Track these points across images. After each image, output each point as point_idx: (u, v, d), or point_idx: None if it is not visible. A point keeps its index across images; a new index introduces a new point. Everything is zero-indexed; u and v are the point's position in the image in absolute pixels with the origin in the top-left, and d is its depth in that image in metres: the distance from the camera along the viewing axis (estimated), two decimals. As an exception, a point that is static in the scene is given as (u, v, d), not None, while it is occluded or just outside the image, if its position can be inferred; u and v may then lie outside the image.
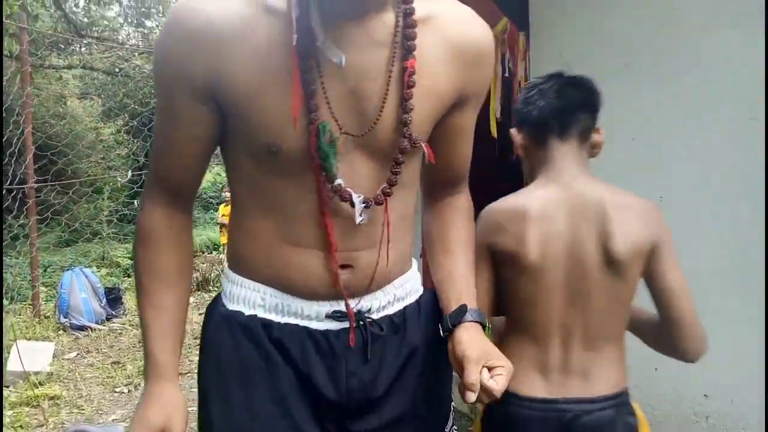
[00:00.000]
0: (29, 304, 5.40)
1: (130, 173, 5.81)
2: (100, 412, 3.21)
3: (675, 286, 1.12)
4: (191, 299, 4.89)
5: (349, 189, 0.83)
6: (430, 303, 1.00)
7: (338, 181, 0.82)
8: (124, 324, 4.99)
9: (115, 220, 9.54)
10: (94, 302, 5.01)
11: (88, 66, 11.39)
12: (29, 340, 4.28)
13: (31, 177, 5.07)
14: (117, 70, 10.72)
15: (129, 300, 5.80)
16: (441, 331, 0.94)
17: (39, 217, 5.56)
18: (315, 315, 0.89)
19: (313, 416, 0.90)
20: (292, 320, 0.89)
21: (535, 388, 1.12)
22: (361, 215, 0.84)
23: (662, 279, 1.12)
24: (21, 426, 2.87)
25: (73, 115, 10.68)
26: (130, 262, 8.44)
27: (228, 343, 0.90)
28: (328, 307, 0.89)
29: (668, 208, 1.84)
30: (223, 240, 7.32)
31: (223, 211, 7.15)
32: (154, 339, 0.89)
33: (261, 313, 0.90)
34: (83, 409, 3.24)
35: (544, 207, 1.12)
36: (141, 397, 0.91)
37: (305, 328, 0.89)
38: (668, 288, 1.12)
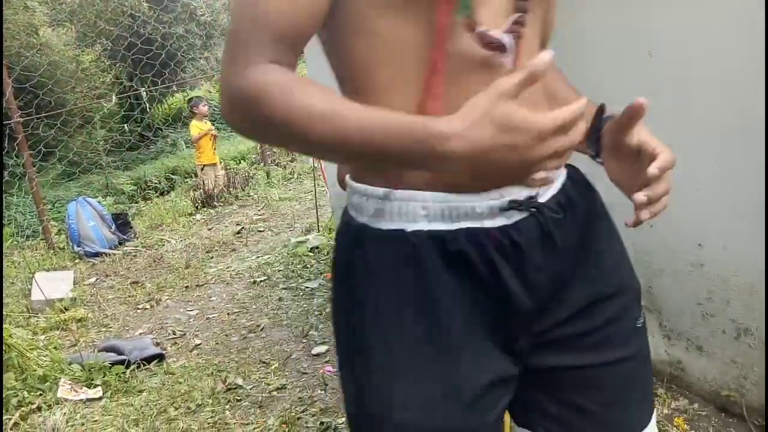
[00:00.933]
0: (42, 239, 5.52)
1: (114, 98, 5.66)
2: (127, 328, 3.37)
3: None
4: (198, 216, 4.97)
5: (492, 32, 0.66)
6: (575, 172, 0.85)
7: (481, 28, 0.66)
8: (136, 246, 5.12)
9: (112, 148, 9.52)
10: (103, 229, 5.10)
11: (52, -11, 10.78)
12: (48, 271, 4.42)
13: (15, 111, 4.98)
14: (82, -10, 10.14)
15: (138, 224, 5.91)
16: (591, 147, 0.81)
17: (32, 152, 5.52)
18: (488, 211, 0.72)
19: (504, 333, 0.76)
20: (466, 224, 0.72)
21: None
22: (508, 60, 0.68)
23: None
24: (55, 347, 3.03)
25: (46, 44, 10.27)
26: (133, 188, 8.50)
27: (398, 275, 0.72)
28: (498, 198, 0.73)
29: (657, 63, 1.78)
30: (199, 160, 6.67)
31: (200, 127, 6.53)
32: (378, 122, 0.63)
33: (426, 226, 0.72)
34: (110, 327, 3.40)
35: None
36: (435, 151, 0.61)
37: (482, 229, 0.72)
38: None
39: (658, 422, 1.83)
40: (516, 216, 0.74)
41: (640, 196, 0.74)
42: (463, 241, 0.71)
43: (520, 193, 0.73)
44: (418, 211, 0.72)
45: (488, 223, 0.73)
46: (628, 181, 0.78)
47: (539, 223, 0.75)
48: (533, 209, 0.74)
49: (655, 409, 0.88)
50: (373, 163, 0.72)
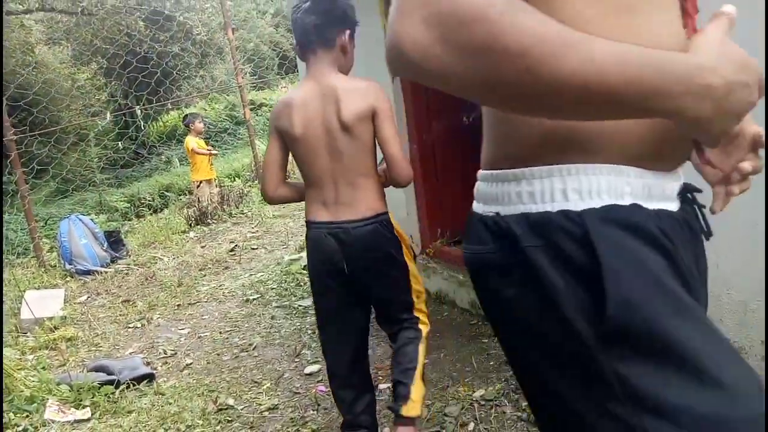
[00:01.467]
0: (33, 256, 5.47)
1: (109, 115, 5.67)
2: (117, 347, 3.33)
3: (388, 136, 1.69)
4: (191, 233, 4.93)
5: None
6: None
7: None
8: (129, 264, 5.08)
9: (106, 166, 9.52)
10: (95, 247, 5.07)
11: (48, 7, 10.85)
12: (38, 289, 4.37)
13: (8, 129, 4.97)
14: (78, 8, 10.20)
15: (131, 241, 5.87)
16: None
17: (25, 169, 5.50)
18: (671, 193, 0.68)
19: None
20: (662, 204, 0.66)
21: (321, 215, 1.76)
22: None
23: (380, 132, 1.69)
24: (44, 367, 2.99)
25: (42, 62, 10.30)
26: (127, 205, 8.47)
27: (643, 251, 0.62)
28: (676, 180, 0.69)
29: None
30: (194, 176, 6.66)
31: (196, 143, 6.50)
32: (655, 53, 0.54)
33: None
34: (101, 347, 3.36)
35: (302, 96, 1.72)
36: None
37: (671, 212, 0.67)
38: (384, 137, 1.69)
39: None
40: (677, 203, 0.68)
41: (722, 190, 0.71)
42: (666, 223, 0.65)
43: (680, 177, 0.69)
44: (624, 187, 0.63)
45: (672, 206, 0.67)
46: (717, 163, 0.70)
47: (697, 209, 0.72)
48: (693, 196, 0.70)
49: None
50: (606, 110, 0.56)
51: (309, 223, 1.80)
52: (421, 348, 1.89)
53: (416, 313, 1.91)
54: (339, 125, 1.68)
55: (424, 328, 1.91)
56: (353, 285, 1.78)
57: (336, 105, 1.68)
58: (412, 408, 1.82)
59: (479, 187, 0.74)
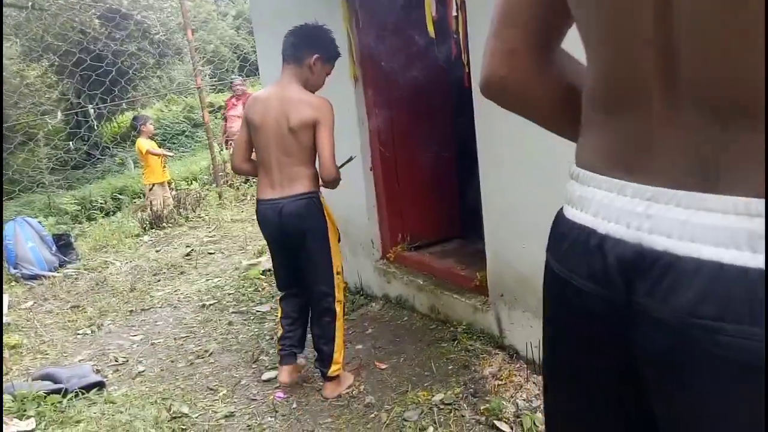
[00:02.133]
0: (-25, 260, 5.20)
1: (60, 114, 5.46)
2: (65, 355, 3.20)
3: (323, 143, 2.21)
4: (146, 237, 4.80)
5: None
6: None
7: None
8: (78, 269, 4.89)
9: (56, 167, 9.15)
10: (43, 250, 4.87)
11: (-4, 1, 10.38)
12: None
13: (-50, 126, 4.73)
14: (28, 2, 9.82)
15: (81, 245, 5.66)
16: None
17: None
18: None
19: None
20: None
21: (266, 194, 2.31)
22: None
23: (317, 138, 2.21)
24: (-16, 376, 2.84)
25: (-12, 58, 9.84)
26: (77, 208, 8.17)
27: None
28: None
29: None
30: (147, 179, 6.46)
31: (150, 144, 6.37)
32: None
33: None
34: (47, 354, 3.22)
35: (267, 96, 2.29)
36: None
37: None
38: (319, 143, 2.21)
39: None
40: None
41: None
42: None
43: None
44: None
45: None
46: None
47: None
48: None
49: None
50: None
51: (258, 201, 2.35)
52: (338, 324, 2.39)
53: (336, 291, 2.37)
54: (287, 127, 2.22)
55: (339, 306, 2.39)
56: (290, 245, 2.36)
57: (287, 111, 2.21)
58: (335, 369, 2.37)
59: (751, 225, 0.47)
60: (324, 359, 2.39)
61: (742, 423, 0.47)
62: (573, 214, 0.60)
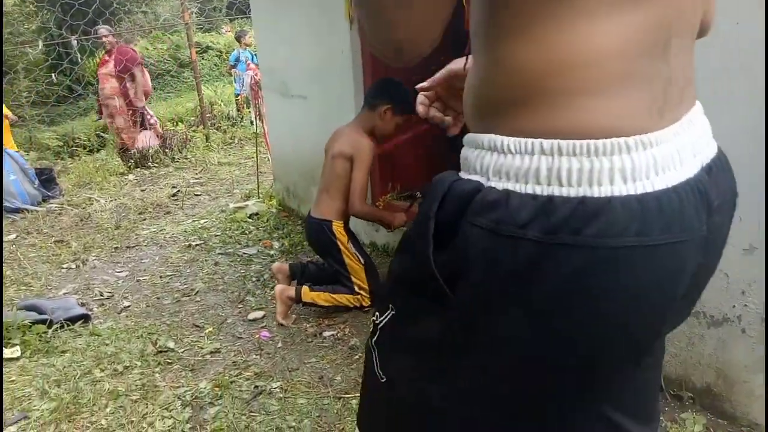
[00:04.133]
0: (-46, 191, 5.09)
1: (41, 44, 5.23)
2: (49, 287, 3.19)
3: (355, 177, 2.51)
4: (131, 176, 4.74)
5: None
6: None
7: None
8: (62, 204, 4.83)
9: (37, 100, 8.88)
10: (25, 184, 4.78)
11: None
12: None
13: (-74, 50, 4.55)
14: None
15: (64, 181, 5.57)
16: None
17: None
18: None
19: None
20: None
21: (312, 209, 2.70)
22: None
23: (352, 172, 2.52)
24: (-33, 305, 2.83)
25: (-36, -19, 9.37)
26: (59, 143, 8.00)
27: None
28: None
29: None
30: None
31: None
32: None
33: None
34: (31, 286, 3.21)
35: (337, 130, 2.66)
36: None
37: None
38: (352, 177, 2.52)
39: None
40: None
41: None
42: None
43: None
44: None
45: None
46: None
47: None
48: None
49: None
50: None
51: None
52: (344, 297, 2.57)
53: (355, 286, 2.57)
54: (330, 154, 2.58)
55: (354, 299, 2.58)
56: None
57: (336, 141, 2.57)
58: (306, 296, 2.55)
59: None
60: (312, 283, 2.65)
61: None
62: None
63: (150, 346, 2.44)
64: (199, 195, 4.90)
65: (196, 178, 5.48)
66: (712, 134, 0.67)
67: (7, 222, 4.42)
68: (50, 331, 2.56)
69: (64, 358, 2.38)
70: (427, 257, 0.59)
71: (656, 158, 0.54)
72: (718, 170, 0.62)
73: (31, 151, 7.41)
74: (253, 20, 4.41)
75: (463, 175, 0.61)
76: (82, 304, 2.89)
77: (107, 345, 2.47)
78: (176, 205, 4.64)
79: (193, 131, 7.29)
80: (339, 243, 2.58)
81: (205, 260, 3.42)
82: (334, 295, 2.57)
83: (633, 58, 0.54)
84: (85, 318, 2.71)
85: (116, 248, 3.74)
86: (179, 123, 8.23)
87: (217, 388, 2.12)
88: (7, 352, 2.41)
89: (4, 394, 2.14)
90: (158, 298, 2.97)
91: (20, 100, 8.48)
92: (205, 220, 4.16)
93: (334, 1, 3.11)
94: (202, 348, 2.43)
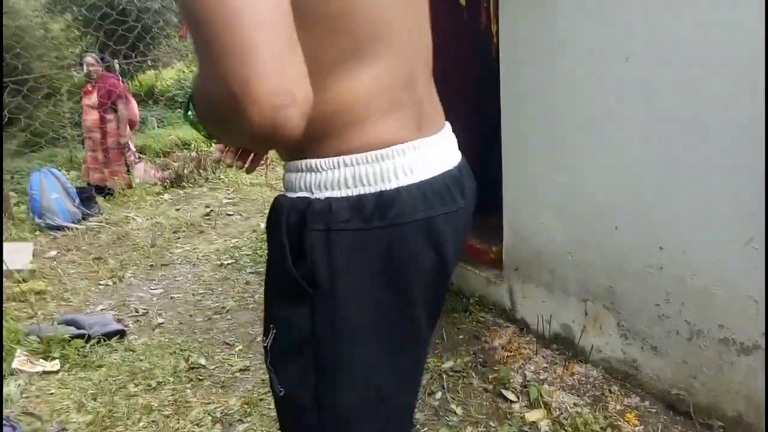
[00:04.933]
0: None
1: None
2: (88, 303, 3.31)
3: None
4: (166, 195, 4.90)
5: None
6: None
7: None
8: (101, 222, 5.00)
9: (79, 121, 9.23)
10: (67, 202, 4.97)
11: (23, -48, 10.38)
12: (6, 242, 4.28)
13: (-20, 75, 4.80)
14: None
15: (102, 199, 5.77)
16: None
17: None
18: None
19: None
20: None
21: None
22: None
23: None
24: (12, 318, 2.95)
25: (13, 7, 9.89)
26: (99, 163, 8.26)
27: None
28: None
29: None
30: None
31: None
32: None
33: None
34: (70, 302, 3.33)
35: None
36: None
37: None
38: None
39: (610, 417, 1.90)
40: None
41: None
42: None
43: None
44: None
45: None
46: None
47: None
48: None
49: None
50: None
51: None
52: None
53: None
54: None
55: None
56: None
57: None
58: None
59: None
60: None
61: None
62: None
63: (182, 362, 2.51)
64: (232, 215, 5.02)
65: (229, 198, 5.62)
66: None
67: (48, 239, 4.60)
68: (88, 345, 2.65)
69: (100, 372, 2.47)
70: (290, 268, 0.72)
71: (424, 157, 0.76)
72: (465, 169, 0.88)
73: (72, 170, 7.69)
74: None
75: (290, 195, 0.76)
76: (119, 320, 2.99)
77: (141, 360, 2.55)
78: (209, 224, 4.76)
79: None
80: None
81: (237, 279, 3.50)
82: None
83: (395, 92, 0.75)
84: (121, 334, 2.80)
85: (151, 266, 3.86)
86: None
87: (246, 406, 2.17)
88: (48, 365, 2.50)
89: (44, 406, 2.23)
90: (191, 316, 3.05)
91: (63, 120, 8.84)
92: (237, 240, 4.26)
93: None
94: (232, 365, 2.49)
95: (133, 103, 5.91)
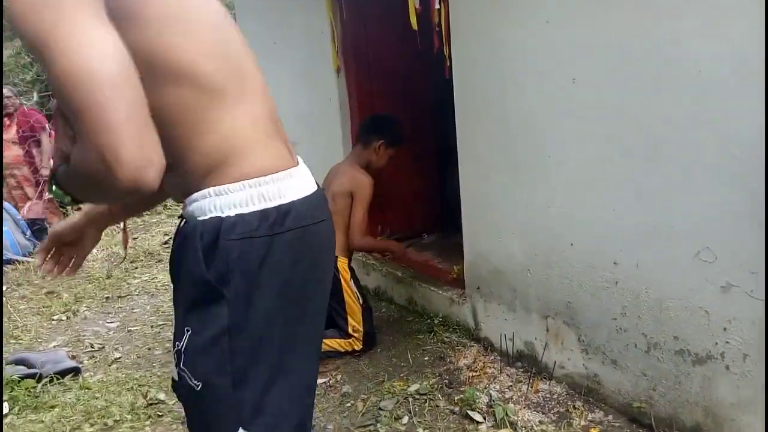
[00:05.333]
0: (-54, 243, 5.08)
1: (35, 95, 5.35)
2: (40, 340, 3.17)
3: (355, 212, 2.67)
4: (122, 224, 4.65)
5: None
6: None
7: None
8: (53, 254, 4.82)
9: (30, 150, 8.95)
10: (17, 235, 4.79)
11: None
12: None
13: None
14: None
15: (56, 230, 5.56)
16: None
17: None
18: None
19: None
20: None
21: None
22: None
23: (352, 209, 2.67)
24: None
25: (-39, 36, 9.56)
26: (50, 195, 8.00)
27: None
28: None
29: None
30: None
31: None
32: None
33: None
34: (21, 340, 3.18)
35: (334, 168, 2.80)
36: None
37: None
38: (352, 212, 2.67)
39: (575, 432, 1.91)
40: None
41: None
42: None
43: None
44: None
45: None
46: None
47: None
48: None
49: None
50: None
51: None
52: (335, 342, 2.61)
53: (349, 327, 2.61)
54: (331, 192, 2.64)
55: (346, 343, 2.62)
56: None
57: (339, 180, 2.67)
58: None
59: None
60: None
61: None
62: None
63: (141, 398, 2.42)
64: (192, 241, 4.91)
65: (189, 225, 5.50)
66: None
67: (-3, 274, 4.41)
68: (39, 385, 2.53)
69: (53, 413, 2.35)
70: (203, 274, 0.90)
71: (301, 179, 1.01)
72: (321, 194, 1.08)
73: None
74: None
75: (201, 218, 0.92)
76: (73, 357, 2.88)
77: (97, 398, 2.45)
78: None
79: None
80: (342, 279, 2.62)
81: (197, 308, 3.41)
82: (325, 341, 2.57)
83: (267, 125, 0.98)
84: (76, 371, 2.69)
85: (107, 298, 3.74)
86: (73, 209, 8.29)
87: (207, 441, 2.09)
88: (-5, 409, 2.38)
89: (-9, 453, 2.11)
90: (149, 349, 2.96)
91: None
92: (197, 267, 4.16)
93: (322, 53, 3.22)
94: (192, 399, 2.41)
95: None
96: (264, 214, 0.92)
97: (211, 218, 0.91)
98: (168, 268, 1.06)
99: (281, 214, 0.93)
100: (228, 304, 0.91)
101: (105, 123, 0.68)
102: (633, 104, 1.76)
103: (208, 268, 0.90)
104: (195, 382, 0.94)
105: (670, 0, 1.61)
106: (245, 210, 0.91)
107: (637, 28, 1.70)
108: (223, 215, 0.91)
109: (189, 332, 0.94)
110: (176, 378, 0.97)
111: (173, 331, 0.99)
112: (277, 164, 0.96)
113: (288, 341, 0.99)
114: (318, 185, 1.08)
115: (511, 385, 2.28)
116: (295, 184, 0.98)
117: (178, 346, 0.96)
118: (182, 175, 0.94)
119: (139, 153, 0.70)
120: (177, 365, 0.96)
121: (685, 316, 1.77)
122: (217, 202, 0.91)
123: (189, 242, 0.92)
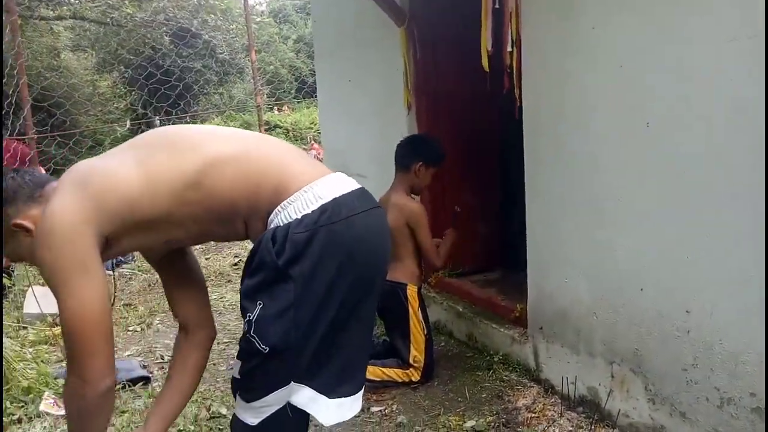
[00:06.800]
0: (39, 254, 5.50)
1: (128, 123, 5.80)
2: (116, 349, 3.30)
3: (421, 239, 2.70)
4: (197, 246, 4.92)
5: None
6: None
7: None
8: (133, 270, 5.13)
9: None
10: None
11: (79, 16, 11.14)
12: (43, 285, 4.41)
13: (30, 128, 5.09)
14: (108, 19, 10.48)
15: (136, 248, 5.92)
16: None
17: (43, 168, 5.59)
18: None
19: None
20: None
21: None
22: None
23: (417, 236, 2.68)
24: (42, 361, 3.02)
25: (67, 67, 10.54)
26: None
27: None
28: None
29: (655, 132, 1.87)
30: None
31: None
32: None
33: None
34: (99, 347, 3.38)
35: (381, 198, 2.65)
36: None
37: None
38: (419, 240, 2.70)
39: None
40: None
41: None
42: None
43: None
44: None
45: None
46: None
47: None
48: None
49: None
50: None
51: None
52: (394, 372, 2.64)
53: (411, 357, 2.64)
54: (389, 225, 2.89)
55: (404, 374, 2.64)
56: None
57: (391, 215, 2.52)
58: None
59: None
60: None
61: None
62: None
63: (204, 411, 2.52)
64: (259, 265, 5.09)
65: (257, 249, 5.70)
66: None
67: (82, 284, 4.71)
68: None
69: (123, 417, 2.49)
70: (275, 261, 1.19)
71: (343, 180, 1.33)
72: (363, 188, 1.36)
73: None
74: (319, 103, 4.73)
75: (274, 225, 1.25)
76: (144, 366, 3.03)
77: (164, 408, 2.56)
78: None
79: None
80: (410, 307, 2.66)
81: (261, 329, 3.52)
82: (384, 369, 2.59)
83: (291, 159, 1.37)
84: (146, 380, 2.84)
85: (179, 314, 3.92)
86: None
87: (264, 458, 2.15)
88: (73, 409, 2.53)
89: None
90: (214, 364, 3.08)
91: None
92: (263, 290, 4.30)
93: (396, 90, 3.33)
94: (252, 416, 2.48)
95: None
96: (322, 209, 1.21)
97: (279, 226, 1.23)
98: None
99: (336, 206, 1.22)
100: (294, 282, 1.19)
101: (83, 356, 1.24)
102: (710, 149, 1.73)
103: (278, 257, 1.19)
104: (263, 346, 1.20)
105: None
106: (307, 210, 1.22)
107: (715, 74, 1.69)
108: (291, 218, 1.22)
109: (260, 305, 1.20)
110: (243, 345, 1.27)
111: (240, 311, 1.28)
112: (315, 175, 1.28)
113: (343, 317, 1.27)
114: (360, 187, 1.34)
115: (571, 430, 2.22)
116: (339, 184, 1.28)
117: (249, 316, 1.21)
118: (259, 221, 1.28)
119: (101, 375, 1.24)
120: (248, 332, 1.22)
121: (762, 372, 1.68)
122: (281, 216, 1.24)
123: (263, 243, 1.22)
